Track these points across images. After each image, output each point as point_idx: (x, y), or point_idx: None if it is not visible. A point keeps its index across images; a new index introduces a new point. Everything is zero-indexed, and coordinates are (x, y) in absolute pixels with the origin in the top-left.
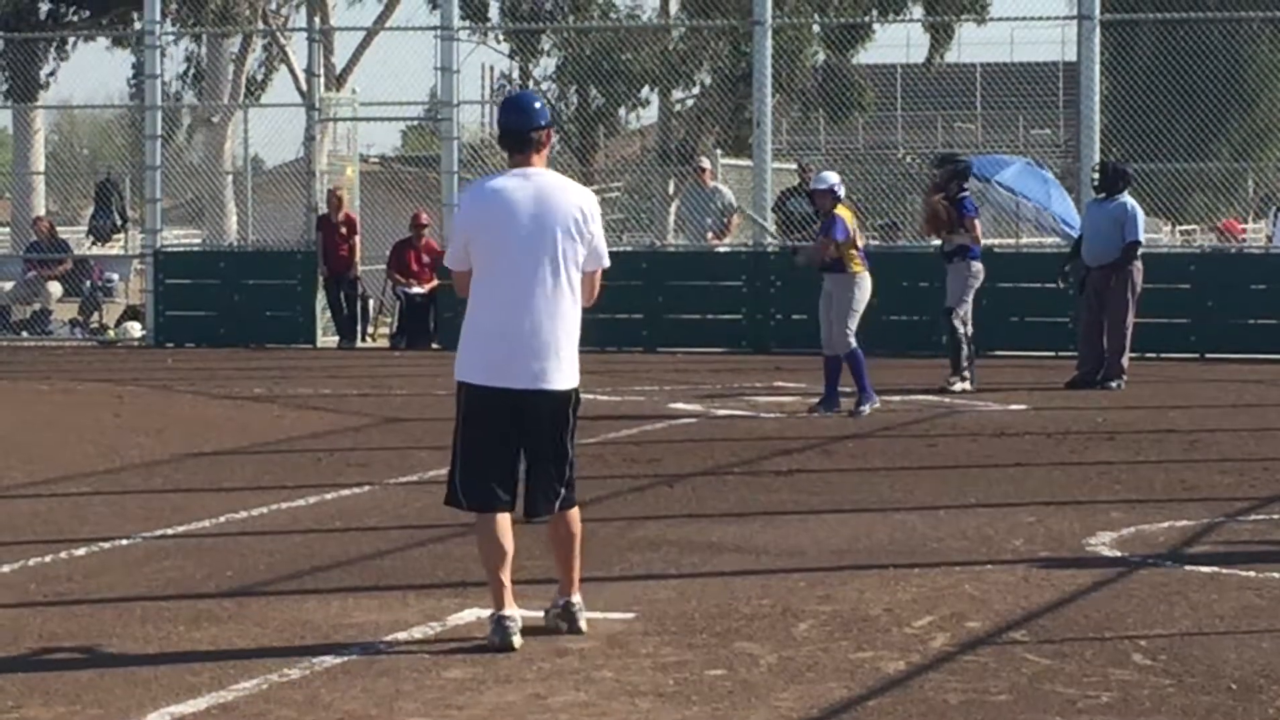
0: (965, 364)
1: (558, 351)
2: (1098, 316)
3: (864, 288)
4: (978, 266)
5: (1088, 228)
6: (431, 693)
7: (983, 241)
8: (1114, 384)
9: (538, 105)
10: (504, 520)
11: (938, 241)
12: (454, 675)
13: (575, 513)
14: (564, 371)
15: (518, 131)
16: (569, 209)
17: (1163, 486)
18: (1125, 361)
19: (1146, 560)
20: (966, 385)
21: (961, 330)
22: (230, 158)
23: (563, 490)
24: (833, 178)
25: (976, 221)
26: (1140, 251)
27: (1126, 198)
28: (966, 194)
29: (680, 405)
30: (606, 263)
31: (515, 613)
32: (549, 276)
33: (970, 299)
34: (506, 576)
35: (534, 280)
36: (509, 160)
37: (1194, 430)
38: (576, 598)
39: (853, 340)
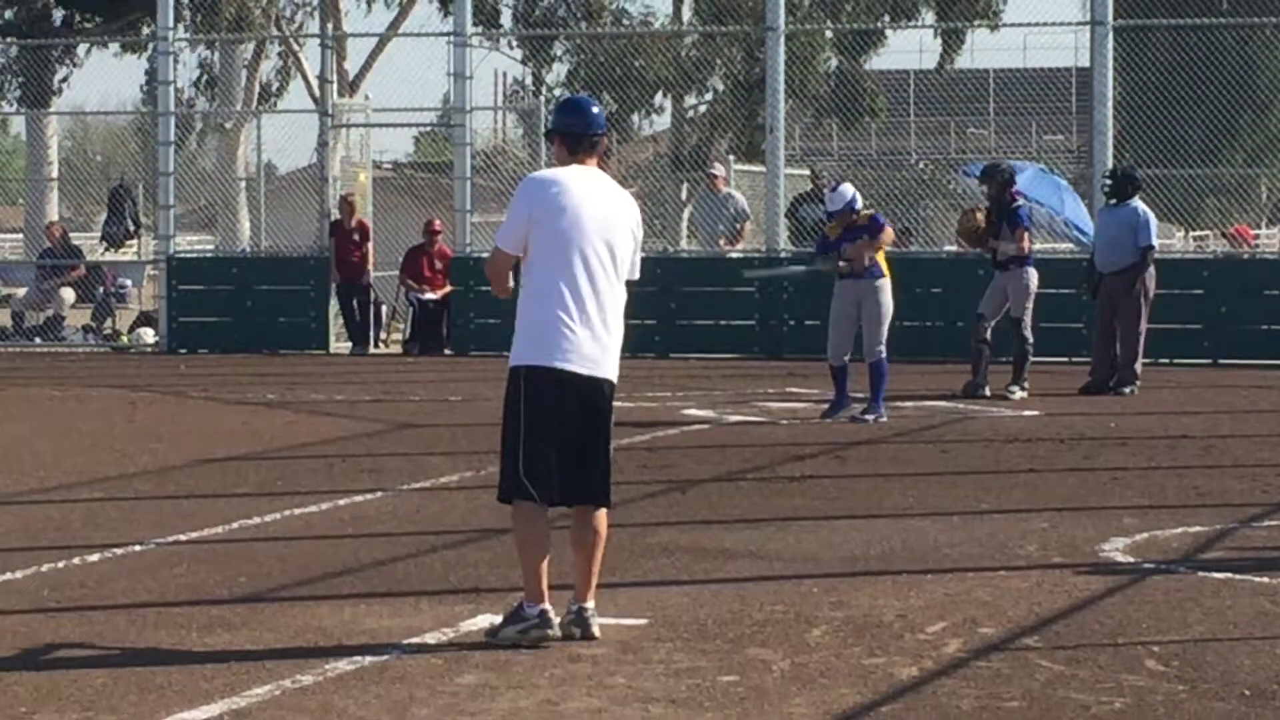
0: (1025, 374)
1: (615, 343)
2: (1110, 322)
3: (891, 293)
4: (1034, 273)
5: (1100, 234)
6: (444, 699)
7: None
8: (1127, 390)
9: (596, 110)
10: (545, 512)
11: (951, 247)
12: (467, 681)
13: (604, 516)
14: (615, 363)
15: (583, 135)
16: (629, 212)
17: (1176, 492)
18: (1138, 367)
19: (1160, 566)
20: (1024, 394)
21: (1031, 340)
22: (243, 164)
23: (608, 485)
24: (849, 192)
25: (1025, 232)
26: (1153, 257)
27: (1138, 203)
28: (1020, 204)
29: (693, 411)
30: (639, 274)
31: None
32: (614, 269)
33: (1032, 306)
34: (546, 570)
35: (604, 270)
36: (566, 158)
37: (1207, 436)
38: (591, 603)
39: (884, 350)
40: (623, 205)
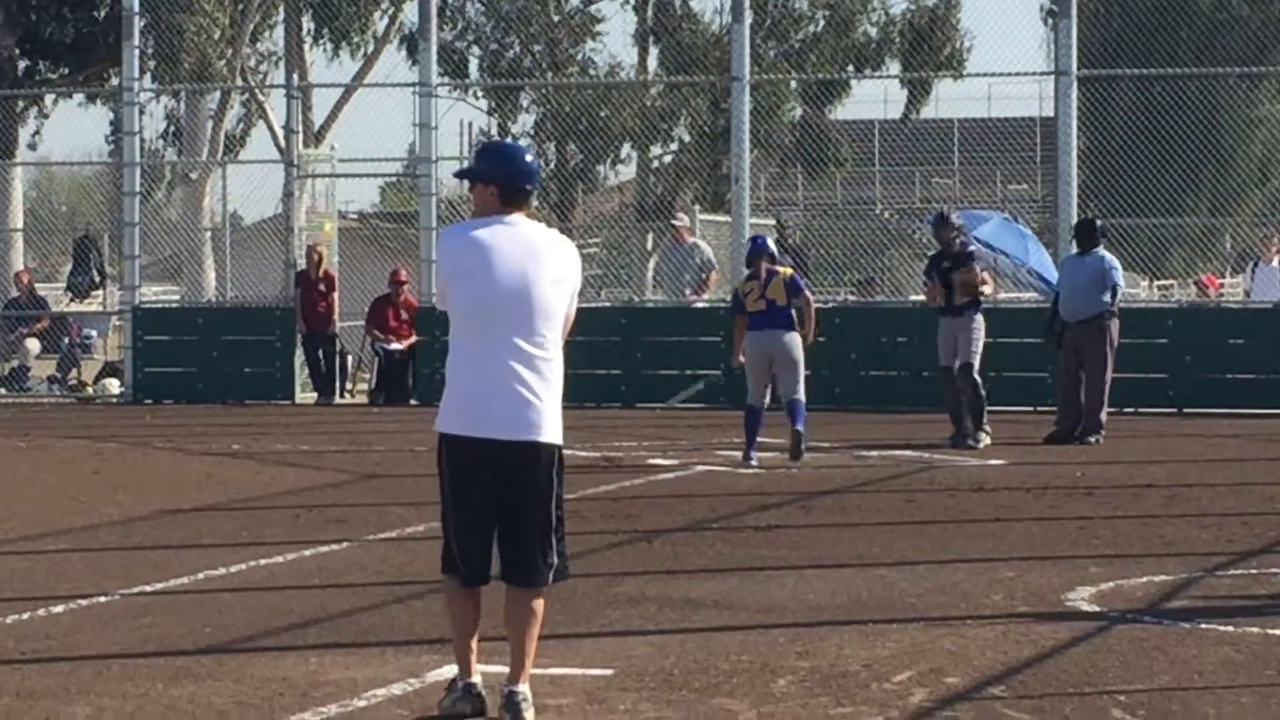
0: (986, 419)
1: (543, 403)
2: (1076, 371)
3: (748, 351)
4: (981, 319)
5: (1065, 283)
6: None
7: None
8: (1092, 439)
9: (530, 159)
10: (475, 589)
11: (916, 296)
12: None
13: (540, 600)
14: (549, 424)
15: (521, 188)
16: (556, 258)
17: (1141, 541)
18: (1104, 416)
19: (1125, 615)
20: (989, 439)
21: (981, 383)
22: (209, 214)
23: (555, 561)
24: (757, 239)
25: (983, 273)
26: (1118, 306)
27: (1103, 252)
28: (973, 247)
29: (659, 460)
30: (575, 306)
31: (479, 680)
32: (537, 328)
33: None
34: (475, 643)
35: (520, 331)
36: (495, 207)
37: (1172, 485)
38: (522, 687)
39: (750, 398)
40: (552, 255)
